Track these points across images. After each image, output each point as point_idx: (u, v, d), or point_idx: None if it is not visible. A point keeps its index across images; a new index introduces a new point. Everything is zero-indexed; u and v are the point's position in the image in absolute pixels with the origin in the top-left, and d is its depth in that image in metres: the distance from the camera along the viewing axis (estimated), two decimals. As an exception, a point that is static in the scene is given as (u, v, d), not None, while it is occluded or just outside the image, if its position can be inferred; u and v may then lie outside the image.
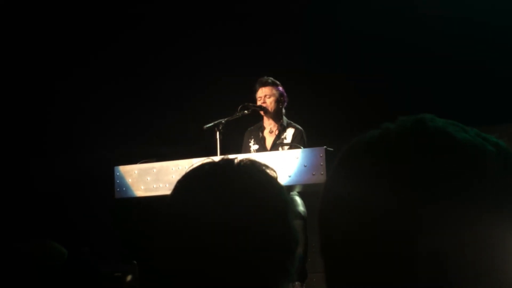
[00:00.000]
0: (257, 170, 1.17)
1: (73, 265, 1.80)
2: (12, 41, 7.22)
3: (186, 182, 1.17)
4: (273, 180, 1.17)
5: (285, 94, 5.29)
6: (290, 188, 4.62)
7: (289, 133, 5.18)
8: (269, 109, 5.20)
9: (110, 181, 4.96)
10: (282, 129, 5.22)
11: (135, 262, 3.73)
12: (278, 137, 5.20)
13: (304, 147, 4.69)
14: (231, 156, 1.21)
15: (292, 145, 4.93)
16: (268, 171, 1.18)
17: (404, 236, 0.75)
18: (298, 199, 4.92)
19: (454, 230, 0.74)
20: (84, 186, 7.15)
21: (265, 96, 5.22)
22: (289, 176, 4.29)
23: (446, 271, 0.74)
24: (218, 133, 4.91)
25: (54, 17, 7.24)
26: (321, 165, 4.20)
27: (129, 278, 3.59)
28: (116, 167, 4.92)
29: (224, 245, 1.07)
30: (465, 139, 0.79)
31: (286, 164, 4.31)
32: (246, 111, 5.12)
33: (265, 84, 5.24)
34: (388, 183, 0.77)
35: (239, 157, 1.22)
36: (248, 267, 1.08)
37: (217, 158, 1.21)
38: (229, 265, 1.07)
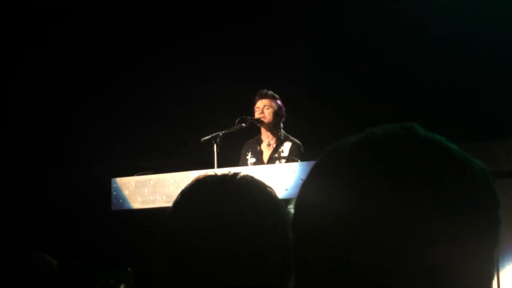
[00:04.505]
0: (256, 185, 1.19)
1: (64, 276, 1.79)
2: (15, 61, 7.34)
3: (189, 193, 1.18)
4: (272, 195, 1.19)
5: (283, 108, 5.29)
6: (287, 201, 4.61)
7: (286, 147, 5.17)
8: (266, 120, 5.19)
9: (104, 192, 4.96)
10: (279, 143, 5.21)
11: (129, 269, 3.72)
12: (276, 150, 5.19)
13: (302, 161, 4.67)
14: (233, 170, 1.23)
15: (289, 159, 4.93)
16: (267, 187, 1.20)
17: (387, 248, 0.72)
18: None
19: (445, 241, 0.72)
20: (78, 197, 7.15)
21: (264, 106, 5.21)
22: (286, 190, 4.28)
23: (434, 285, 0.71)
24: (215, 146, 4.91)
25: (53, 36, 7.33)
26: (318, 179, 4.19)
27: (122, 286, 3.58)
28: (113, 179, 4.91)
29: (221, 255, 1.08)
30: (457, 150, 0.77)
31: (283, 177, 4.31)
32: (243, 124, 5.11)
33: (264, 96, 5.25)
34: (374, 188, 0.74)
35: (240, 171, 1.23)
36: (244, 280, 1.08)
37: (219, 171, 1.23)
38: (226, 277, 1.08)
